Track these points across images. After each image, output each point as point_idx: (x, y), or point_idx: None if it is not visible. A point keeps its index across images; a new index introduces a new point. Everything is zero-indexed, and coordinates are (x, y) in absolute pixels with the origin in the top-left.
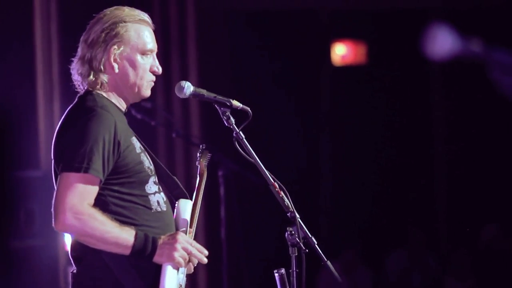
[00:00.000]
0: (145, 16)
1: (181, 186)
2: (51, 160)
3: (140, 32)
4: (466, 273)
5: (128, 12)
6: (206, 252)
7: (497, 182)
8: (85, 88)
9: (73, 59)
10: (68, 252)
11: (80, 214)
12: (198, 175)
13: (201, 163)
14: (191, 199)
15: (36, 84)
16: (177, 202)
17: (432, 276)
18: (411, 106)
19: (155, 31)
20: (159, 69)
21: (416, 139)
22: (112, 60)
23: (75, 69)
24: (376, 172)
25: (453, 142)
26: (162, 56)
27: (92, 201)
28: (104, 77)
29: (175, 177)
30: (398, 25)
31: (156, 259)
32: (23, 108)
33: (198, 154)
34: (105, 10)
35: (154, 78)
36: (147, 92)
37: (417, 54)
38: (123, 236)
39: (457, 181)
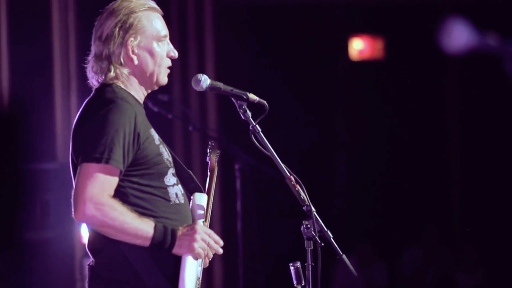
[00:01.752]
0: (153, 3)
1: (196, 180)
2: (69, 152)
3: (152, 20)
4: (475, 267)
5: (136, 2)
6: (222, 243)
7: None
8: (102, 82)
9: (87, 57)
10: (85, 244)
11: (101, 204)
12: (208, 171)
13: (212, 159)
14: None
15: (53, 76)
16: (192, 196)
17: (445, 271)
18: (427, 100)
19: (172, 24)
20: (175, 53)
21: (432, 134)
22: (130, 52)
23: (92, 67)
24: (392, 167)
25: (469, 138)
26: (179, 49)
27: (112, 192)
28: (124, 71)
29: (190, 171)
30: (415, 20)
31: (176, 250)
32: (40, 100)
33: (208, 150)
34: (111, 4)
35: (170, 63)
36: (164, 79)
37: (434, 48)
38: (142, 227)
39: (472, 178)
